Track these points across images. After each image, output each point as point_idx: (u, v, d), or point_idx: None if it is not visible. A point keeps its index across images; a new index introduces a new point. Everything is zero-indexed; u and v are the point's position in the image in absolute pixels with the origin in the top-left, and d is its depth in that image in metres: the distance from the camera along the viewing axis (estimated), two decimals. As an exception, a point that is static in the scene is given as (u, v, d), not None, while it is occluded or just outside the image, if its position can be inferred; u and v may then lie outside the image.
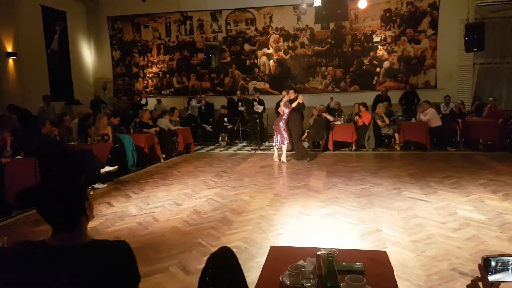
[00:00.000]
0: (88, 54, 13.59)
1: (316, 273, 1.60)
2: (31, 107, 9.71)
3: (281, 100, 8.65)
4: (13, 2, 9.91)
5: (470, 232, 4.08)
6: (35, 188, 1.34)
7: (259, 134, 10.62)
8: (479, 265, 1.09)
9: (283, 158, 8.51)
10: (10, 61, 9.97)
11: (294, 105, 8.25)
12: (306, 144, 9.92)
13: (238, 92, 12.44)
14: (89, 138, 7.58)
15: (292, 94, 8.44)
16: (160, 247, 4.03)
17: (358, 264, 1.85)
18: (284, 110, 8.33)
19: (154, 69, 13.70)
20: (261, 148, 10.45)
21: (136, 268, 1.37)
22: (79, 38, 13.11)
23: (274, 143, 8.63)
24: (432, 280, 3.10)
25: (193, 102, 12.25)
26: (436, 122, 9.24)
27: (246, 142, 11.54)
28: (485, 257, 1.09)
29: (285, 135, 8.34)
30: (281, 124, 8.36)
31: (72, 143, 7.52)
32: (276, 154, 8.65)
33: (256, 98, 11.42)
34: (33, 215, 5.36)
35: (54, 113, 9.94)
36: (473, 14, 10.65)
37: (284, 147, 8.43)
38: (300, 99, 8.34)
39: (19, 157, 5.98)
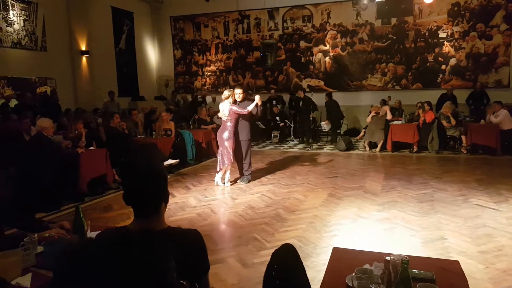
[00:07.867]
0: (152, 53, 14.23)
1: (385, 279, 1.54)
2: (100, 101, 10.42)
3: (222, 102, 6.10)
4: (86, 4, 10.65)
5: (548, 247, 3.71)
6: (124, 177, 1.46)
7: (311, 133, 10.43)
8: None
9: (226, 179, 6.34)
10: (84, 58, 10.74)
11: (250, 108, 5.94)
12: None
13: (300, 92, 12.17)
14: (154, 133, 7.98)
15: (241, 94, 6.04)
16: (218, 239, 4.18)
17: (429, 273, 1.76)
18: (227, 117, 5.93)
19: (212, 67, 14.04)
20: (313, 147, 10.33)
21: (207, 257, 1.45)
22: (144, 37, 13.77)
23: (218, 167, 6.31)
24: (504, 294, 2.88)
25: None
26: (508, 124, 8.52)
27: (298, 140, 11.45)
28: None
29: (228, 152, 6.08)
30: (225, 136, 6.03)
31: (139, 136, 7.95)
32: (220, 176, 6.35)
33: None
34: (103, 202, 5.80)
35: (119, 108, 10.53)
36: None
37: (225, 169, 6.27)
38: (258, 100, 6.00)
39: (92, 147, 6.46)
